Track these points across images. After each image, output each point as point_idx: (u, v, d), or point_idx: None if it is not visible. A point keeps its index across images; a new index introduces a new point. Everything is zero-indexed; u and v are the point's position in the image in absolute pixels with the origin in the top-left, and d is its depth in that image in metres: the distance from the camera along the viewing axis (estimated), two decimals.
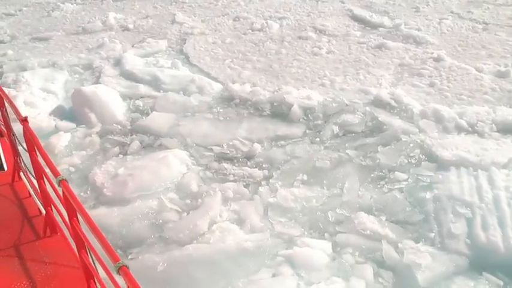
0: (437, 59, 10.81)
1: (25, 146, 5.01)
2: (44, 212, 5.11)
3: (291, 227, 6.32)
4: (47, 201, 4.94)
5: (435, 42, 11.86)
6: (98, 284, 4.01)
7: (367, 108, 8.83)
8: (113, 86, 10.15)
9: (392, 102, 8.98)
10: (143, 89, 10.13)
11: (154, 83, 10.30)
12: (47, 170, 4.34)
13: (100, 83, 10.34)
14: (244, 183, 7.23)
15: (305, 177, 7.20)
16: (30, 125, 7.81)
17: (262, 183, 7.20)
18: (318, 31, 12.72)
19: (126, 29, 14.11)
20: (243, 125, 8.60)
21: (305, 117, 8.68)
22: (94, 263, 3.89)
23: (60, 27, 14.66)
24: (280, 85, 9.76)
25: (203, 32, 13.30)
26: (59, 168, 7.33)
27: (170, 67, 10.95)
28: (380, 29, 12.83)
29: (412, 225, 6.25)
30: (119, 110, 9.26)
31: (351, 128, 8.34)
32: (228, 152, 7.95)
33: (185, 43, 12.49)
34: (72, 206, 3.78)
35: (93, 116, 9.01)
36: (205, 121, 8.79)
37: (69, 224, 4.00)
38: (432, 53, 11.14)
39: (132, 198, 6.93)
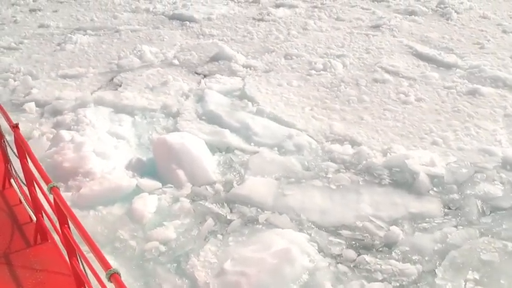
0: None
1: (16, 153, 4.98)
2: (34, 219, 5.14)
3: None
4: (37, 208, 4.94)
5: None
6: None
7: (503, 175, 7.53)
8: (194, 132, 8.67)
9: None
10: (230, 137, 8.69)
11: (244, 132, 8.84)
12: (38, 176, 4.31)
13: (177, 127, 9.00)
14: (397, 284, 5.77)
15: (476, 275, 5.80)
16: (106, 183, 7.26)
17: (421, 283, 5.75)
18: (390, 73, 11.37)
19: (171, 64, 12.50)
20: (364, 197, 7.14)
21: (435, 189, 7.28)
22: (85, 271, 3.80)
23: (86, 63, 12.81)
24: (388, 144, 8.35)
25: (257, 72, 11.77)
26: (148, 245, 6.21)
27: (260, 114, 9.50)
28: (456, 70, 11.59)
29: None
30: (210, 167, 7.75)
31: (497, 203, 6.99)
32: (361, 237, 6.47)
33: (244, 84, 10.92)
34: (63, 213, 3.76)
35: (181, 174, 7.50)
36: (315, 190, 7.30)
37: (60, 231, 3.99)
38: None
39: None
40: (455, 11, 16.52)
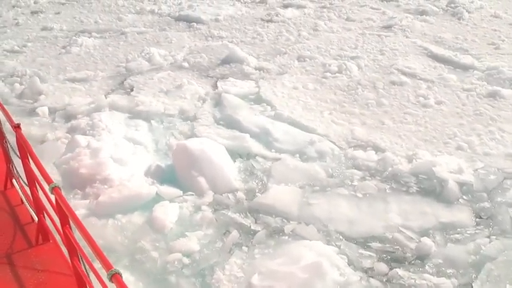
0: None
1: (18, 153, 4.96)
2: (36, 219, 5.13)
3: None
4: (39, 208, 4.95)
5: None
6: None
7: None
8: (212, 137, 8.43)
9: None
10: (250, 142, 8.46)
11: (264, 137, 8.60)
12: (40, 177, 4.32)
13: (195, 132, 8.78)
14: None
15: None
16: (126, 190, 7.05)
17: None
18: (407, 75, 11.15)
19: (181, 67, 12.26)
20: (392, 206, 6.91)
21: (464, 197, 7.06)
22: (86, 271, 3.84)
23: (93, 66, 12.52)
24: (412, 149, 8.13)
25: (271, 75, 11.53)
26: (170, 257, 6.00)
27: (278, 119, 9.25)
28: (474, 71, 11.38)
29: None
30: (231, 174, 7.50)
31: None
32: (392, 249, 6.23)
33: (259, 87, 10.69)
34: (64, 213, 3.77)
35: (202, 181, 7.23)
36: (341, 199, 7.06)
37: (61, 231, 3.99)
38: None
39: None
40: (467, 10, 16.36)
